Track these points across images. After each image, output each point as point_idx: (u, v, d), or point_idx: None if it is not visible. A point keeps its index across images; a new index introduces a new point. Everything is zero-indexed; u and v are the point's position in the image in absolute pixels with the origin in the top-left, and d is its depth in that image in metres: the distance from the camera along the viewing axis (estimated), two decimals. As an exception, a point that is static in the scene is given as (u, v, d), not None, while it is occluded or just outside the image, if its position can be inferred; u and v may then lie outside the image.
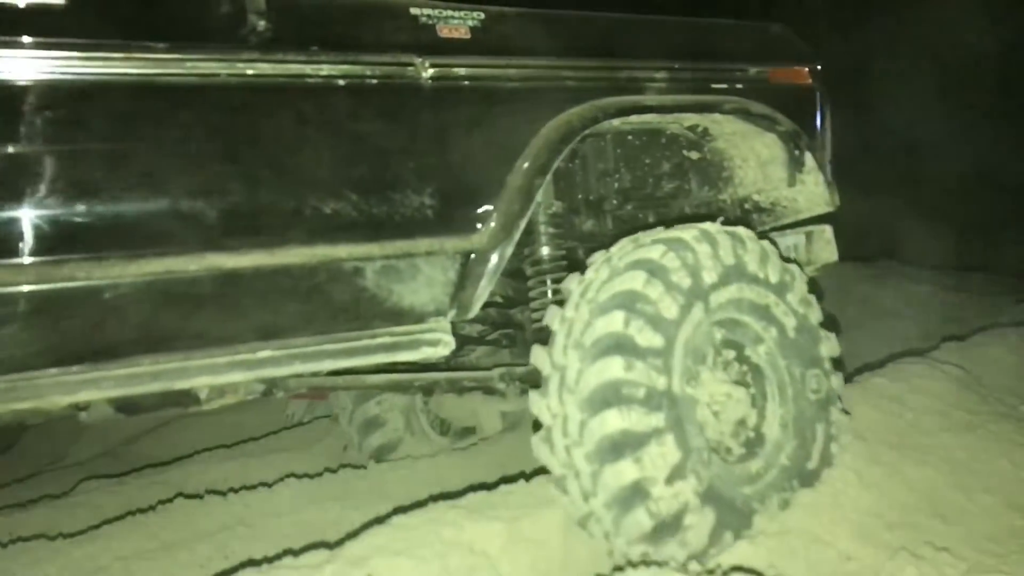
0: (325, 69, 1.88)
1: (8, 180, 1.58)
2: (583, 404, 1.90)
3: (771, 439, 2.11)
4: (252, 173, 1.81)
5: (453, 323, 2.08)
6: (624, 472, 1.83)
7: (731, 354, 2.14)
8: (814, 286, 2.31)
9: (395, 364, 2.19)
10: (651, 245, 2.04)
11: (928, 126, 7.18)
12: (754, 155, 2.61)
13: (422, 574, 1.85)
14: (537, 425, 2.04)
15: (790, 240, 2.71)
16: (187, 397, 2.13)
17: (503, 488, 2.27)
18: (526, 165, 2.08)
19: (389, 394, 3.15)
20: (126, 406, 2.07)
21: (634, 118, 2.33)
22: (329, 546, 2.13)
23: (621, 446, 1.85)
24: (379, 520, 2.15)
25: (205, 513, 2.72)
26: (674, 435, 1.88)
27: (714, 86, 2.43)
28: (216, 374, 1.81)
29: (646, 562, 1.81)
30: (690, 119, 2.54)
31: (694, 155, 2.65)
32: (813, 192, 2.62)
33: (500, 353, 2.81)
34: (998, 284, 5.82)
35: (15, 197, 1.58)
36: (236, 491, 2.89)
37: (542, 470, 2.49)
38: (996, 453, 2.45)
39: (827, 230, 2.72)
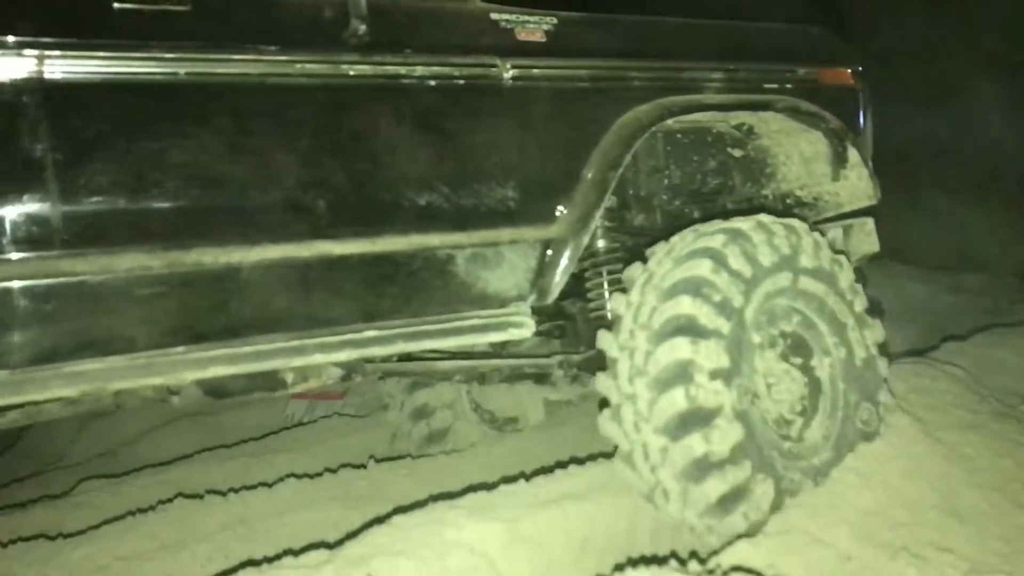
0: (418, 70, 2.02)
1: (141, 173, 1.71)
2: (652, 383, 2.02)
3: (821, 419, 2.24)
4: (354, 167, 1.94)
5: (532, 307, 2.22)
6: (693, 446, 1.95)
7: (785, 338, 2.25)
8: (860, 275, 2.42)
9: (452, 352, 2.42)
10: (712, 235, 2.16)
11: (927, 125, 7.18)
12: (798, 152, 2.74)
13: (422, 574, 1.85)
14: (603, 404, 2.17)
15: (830, 234, 2.80)
16: (274, 381, 2.22)
17: (503, 488, 2.27)
18: (599, 159, 2.22)
19: (437, 385, 3.26)
20: (215, 390, 2.15)
21: (686, 117, 2.44)
22: (329, 546, 2.13)
23: (690, 422, 1.96)
24: (379, 520, 2.15)
25: (205, 513, 2.72)
26: (738, 411, 2.00)
27: (766, 86, 2.57)
28: (328, 352, 1.94)
29: (646, 562, 1.82)
30: (738, 117, 2.66)
31: (738, 152, 2.77)
32: (856, 186, 2.74)
33: (551, 343, 2.91)
34: (998, 284, 5.82)
35: (148, 189, 1.71)
36: (236, 491, 2.89)
37: (542, 470, 2.50)
38: (1000, 452, 2.46)
39: (868, 222, 2.85)
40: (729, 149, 2.78)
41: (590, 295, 2.56)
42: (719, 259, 2.10)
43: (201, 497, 2.82)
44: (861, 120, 2.80)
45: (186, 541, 2.52)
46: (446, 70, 2.06)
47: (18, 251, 1.62)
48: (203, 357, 1.80)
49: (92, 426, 4.20)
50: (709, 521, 1.97)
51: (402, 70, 2.00)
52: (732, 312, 2.07)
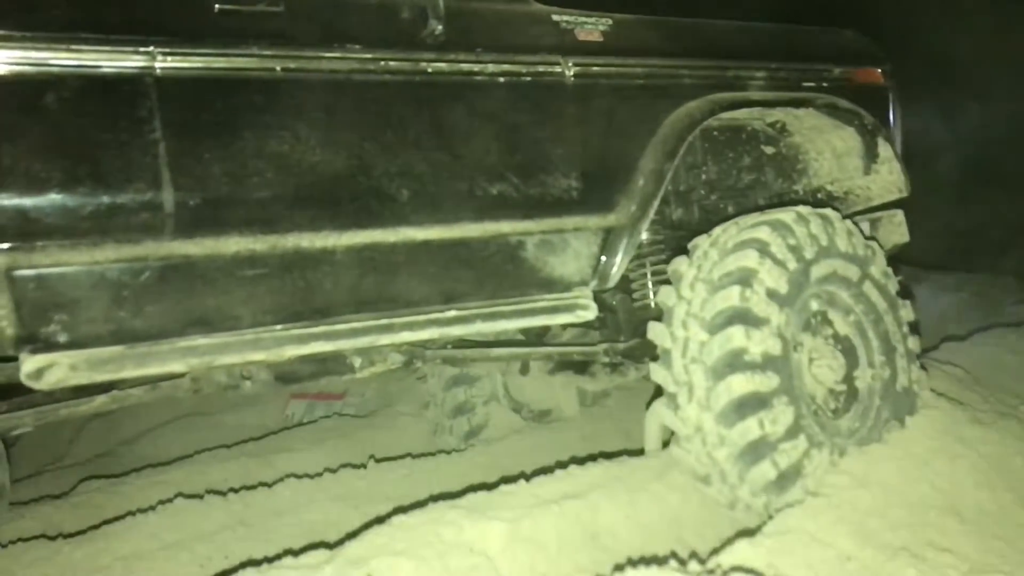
0: (489, 68, 2.15)
1: (243, 164, 1.84)
2: (709, 371, 2.14)
3: (862, 396, 2.39)
4: (433, 158, 2.06)
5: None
6: (751, 429, 2.07)
7: (825, 322, 2.39)
8: (891, 261, 2.59)
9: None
10: (756, 227, 2.28)
11: (925, 124, 7.18)
12: (830, 148, 2.85)
13: (422, 574, 1.85)
14: (658, 392, 2.32)
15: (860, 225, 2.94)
16: (343, 366, 2.36)
17: (503, 488, 2.27)
18: (655, 152, 2.35)
19: (476, 380, 3.40)
20: (286, 375, 2.29)
21: (725, 115, 2.54)
22: (329, 546, 2.13)
23: (746, 406, 2.08)
24: (379, 520, 2.15)
25: (205, 513, 2.72)
26: (789, 394, 2.13)
27: (805, 84, 2.71)
28: (415, 331, 2.07)
29: (646, 562, 1.82)
30: (773, 115, 2.78)
31: (770, 149, 2.89)
32: (887, 180, 2.87)
33: (590, 334, 2.99)
34: (998, 284, 5.82)
35: (250, 178, 1.84)
36: (236, 491, 2.89)
37: (542, 470, 2.50)
38: (1009, 451, 2.46)
39: (898, 214, 2.99)
40: (762, 146, 2.90)
41: (633, 286, 2.67)
42: (765, 249, 2.21)
43: (201, 497, 2.82)
44: (891, 117, 2.93)
45: (186, 541, 2.52)
46: (514, 68, 2.18)
47: (136, 236, 1.74)
48: (304, 334, 1.93)
49: (92, 426, 4.20)
50: (767, 498, 2.09)
51: (474, 68, 2.12)
52: (779, 300, 2.19)
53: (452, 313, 2.12)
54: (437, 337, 2.16)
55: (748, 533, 1.99)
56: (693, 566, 1.86)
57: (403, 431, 3.62)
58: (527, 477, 2.42)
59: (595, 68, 2.30)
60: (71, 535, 2.64)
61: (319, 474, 3.04)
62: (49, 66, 1.66)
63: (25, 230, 1.64)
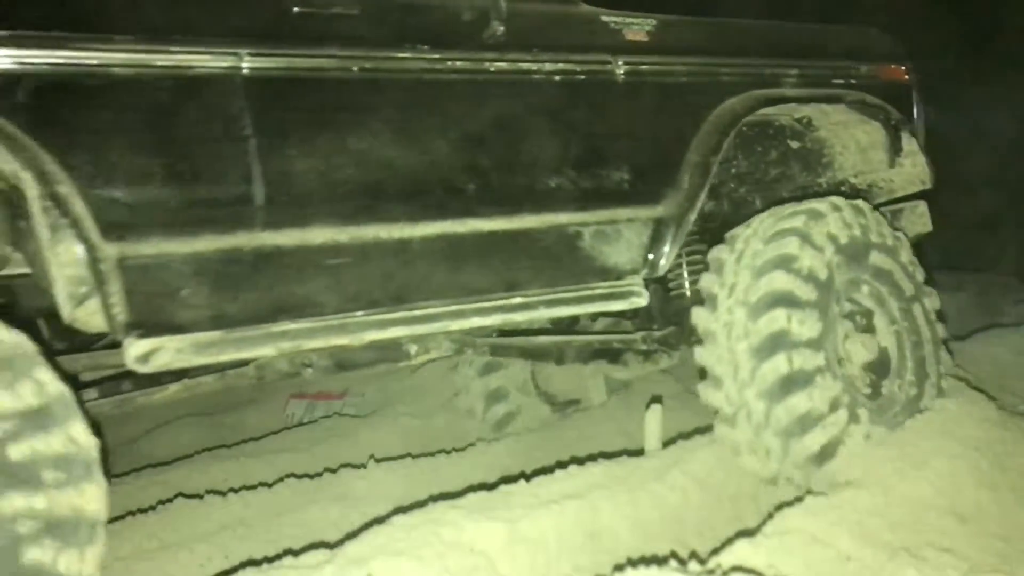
0: (545, 67, 2.25)
1: (325, 158, 1.94)
2: (754, 351, 2.28)
3: (892, 380, 2.54)
4: (495, 153, 2.17)
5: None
6: (796, 405, 2.22)
7: (858, 308, 2.54)
8: (917, 250, 2.75)
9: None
10: (794, 216, 2.44)
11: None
12: (855, 142, 2.96)
13: (422, 574, 1.85)
14: (702, 374, 2.45)
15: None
16: (399, 353, 2.47)
17: (503, 488, 2.27)
18: (700, 146, 2.46)
19: (509, 368, 3.47)
20: (344, 363, 2.41)
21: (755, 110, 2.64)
22: (329, 546, 2.13)
23: (791, 384, 2.24)
24: (379, 520, 2.15)
25: (205, 513, 2.72)
26: (831, 372, 2.29)
27: (835, 81, 2.82)
28: (483, 316, 2.17)
29: (646, 562, 1.82)
30: (802, 111, 2.88)
31: (796, 144, 2.97)
32: (911, 172, 2.99)
33: (621, 323, 3.13)
34: (998, 284, 5.82)
35: (331, 172, 1.94)
36: (236, 491, 2.88)
37: (542, 470, 2.50)
38: (1011, 451, 2.47)
39: (921, 205, 3.11)
40: (789, 141, 2.98)
41: (668, 275, 2.72)
42: (805, 236, 2.36)
43: (201, 497, 2.82)
44: (914, 111, 3.03)
45: (186, 541, 2.52)
46: (568, 67, 2.28)
47: (231, 227, 1.83)
48: (383, 320, 2.03)
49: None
50: (809, 471, 2.23)
51: (532, 67, 2.23)
52: (818, 284, 2.34)
53: (517, 300, 2.22)
54: (502, 323, 2.27)
55: (748, 533, 1.99)
56: (693, 566, 1.86)
57: (403, 431, 3.61)
58: (527, 477, 2.42)
59: (643, 67, 2.41)
60: (71, 535, 2.63)
61: (319, 474, 3.03)
62: (150, 67, 1.75)
63: (133, 223, 1.73)
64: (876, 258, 2.54)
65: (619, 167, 2.34)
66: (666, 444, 2.75)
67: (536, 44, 2.24)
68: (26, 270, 1.95)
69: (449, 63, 2.11)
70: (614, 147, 2.36)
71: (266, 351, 1.94)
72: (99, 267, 1.71)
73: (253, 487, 2.91)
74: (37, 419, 1.58)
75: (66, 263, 1.76)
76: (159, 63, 1.76)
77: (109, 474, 1.77)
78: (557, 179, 2.25)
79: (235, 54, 1.83)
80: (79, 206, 1.68)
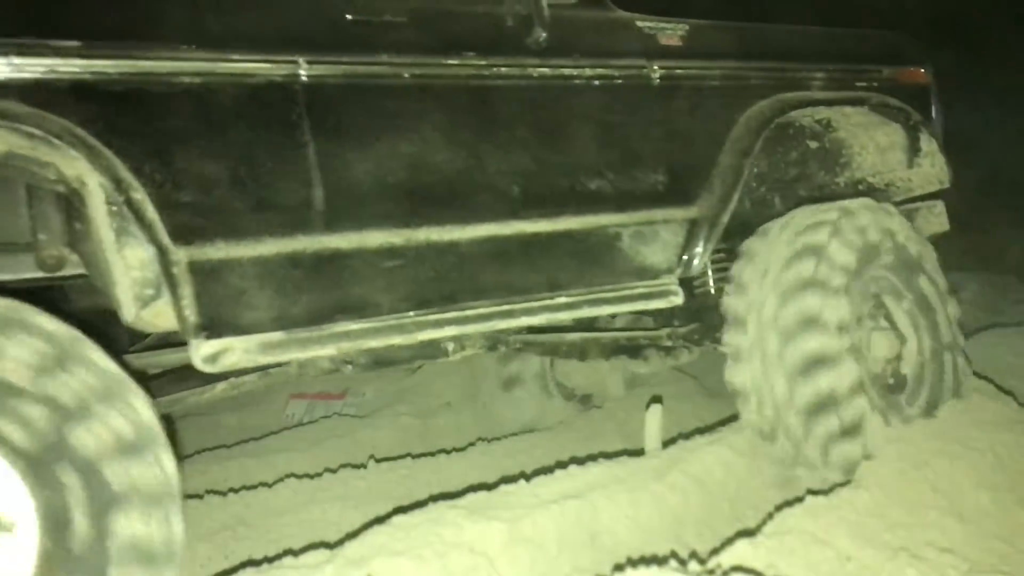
0: (585, 72, 2.30)
1: (380, 163, 1.99)
2: (782, 334, 2.37)
3: (912, 376, 2.62)
4: (538, 156, 2.23)
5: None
6: (819, 385, 2.30)
7: (881, 304, 2.63)
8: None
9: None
10: (827, 212, 2.53)
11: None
12: (873, 142, 3.02)
13: (422, 574, 1.85)
14: (731, 357, 2.52)
15: None
16: (437, 350, 2.52)
17: (503, 488, 2.27)
18: (732, 148, 2.53)
19: (527, 360, 3.53)
20: (384, 358, 2.44)
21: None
22: (329, 546, 2.13)
23: (816, 365, 2.31)
24: (379, 520, 2.15)
25: (205, 513, 2.72)
26: (854, 357, 2.35)
27: (858, 84, 2.88)
28: (530, 316, 2.23)
29: (646, 562, 1.82)
30: (822, 112, 2.92)
31: (815, 144, 3.01)
32: (929, 172, 3.05)
33: (641, 320, 3.16)
34: (998, 284, 5.82)
35: (386, 177, 2.00)
36: (236, 491, 2.88)
37: (542, 470, 2.50)
38: (1011, 452, 2.46)
39: (939, 204, 3.19)
40: (808, 141, 3.03)
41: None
42: (836, 229, 2.46)
43: (201, 497, 2.82)
44: (934, 114, 3.11)
45: (186, 541, 2.52)
46: (607, 71, 2.34)
47: (292, 231, 1.89)
48: (437, 320, 2.09)
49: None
50: (829, 452, 2.31)
51: (572, 72, 2.28)
52: (848, 274, 2.44)
53: (562, 300, 2.27)
54: (546, 322, 2.36)
55: (748, 533, 2.00)
56: (693, 566, 1.86)
57: (403, 431, 3.61)
58: (527, 477, 2.42)
59: (677, 71, 2.46)
60: (71, 535, 2.63)
61: (319, 474, 3.03)
62: (214, 75, 1.81)
63: (202, 227, 1.79)
64: (903, 258, 2.64)
65: (655, 169, 2.41)
66: (666, 444, 2.75)
67: (576, 49, 2.29)
68: (80, 271, 1.97)
69: (494, 69, 2.16)
70: (650, 150, 2.41)
71: (327, 351, 2.00)
72: (171, 271, 1.76)
73: (253, 487, 2.91)
74: (106, 399, 1.60)
75: (132, 266, 1.79)
76: (222, 71, 1.81)
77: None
78: (597, 181, 2.31)
79: (293, 62, 1.88)
80: (150, 211, 1.73)
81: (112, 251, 1.76)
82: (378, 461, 3.16)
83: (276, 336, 1.89)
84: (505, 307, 2.17)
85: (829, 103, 2.82)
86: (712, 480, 2.46)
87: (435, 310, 2.09)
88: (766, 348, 2.41)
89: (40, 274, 1.92)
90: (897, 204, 2.99)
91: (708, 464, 2.50)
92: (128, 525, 1.57)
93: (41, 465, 1.52)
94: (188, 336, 1.81)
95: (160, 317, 1.85)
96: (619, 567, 1.87)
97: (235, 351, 1.84)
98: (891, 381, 2.59)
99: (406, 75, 2.03)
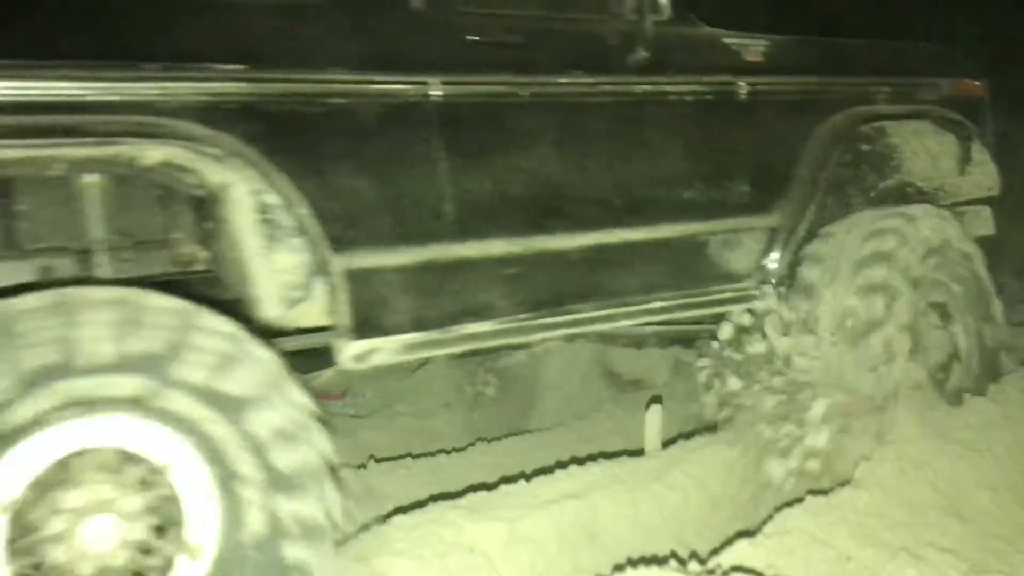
0: (680, 87, 2.44)
1: (501, 177, 2.13)
2: (851, 332, 2.55)
3: (957, 374, 2.80)
4: (639, 169, 2.36)
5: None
6: (883, 381, 2.50)
7: (937, 303, 2.80)
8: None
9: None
10: (891, 218, 2.70)
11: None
12: (925, 149, 3.09)
13: (422, 574, 1.85)
14: (799, 354, 2.64)
15: None
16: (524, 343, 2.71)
17: (503, 488, 2.27)
18: (809, 161, 2.67)
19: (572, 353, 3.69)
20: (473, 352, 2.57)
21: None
22: (329, 546, 2.12)
23: (882, 361, 2.52)
24: (379, 520, 2.15)
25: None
26: (915, 354, 2.60)
27: (919, 97, 3.03)
28: (630, 319, 2.39)
29: (646, 562, 1.82)
30: (879, 122, 3.03)
31: (867, 148, 3.05)
32: (979, 180, 3.18)
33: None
34: (998, 284, 5.80)
35: (506, 190, 2.13)
36: (236, 491, 2.88)
37: (542, 470, 2.50)
38: (1014, 452, 2.47)
39: (985, 209, 3.31)
40: (861, 145, 3.07)
41: None
42: (902, 236, 2.62)
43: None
44: (987, 124, 3.26)
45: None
46: (699, 87, 2.47)
47: (426, 240, 2.03)
48: (551, 322, 2.25)
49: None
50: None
51: (669, 88, 2.42)
52: (911, 279, 2.60)
53: (658, 304, 2.42)
54: (643, 323, 2.51)
55: (748, 533, 2.00)
56: (693, 566, 1.86)
57: (403, 431, 3.61)
58: (527, 477, 2.42)
59: (761, 86, 2.58)
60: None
61: (319, 474, 3.03)
62: (359, 96, 1.95)
63: (354, 238, 1.94)
64: (956, 261, 2.81)
65: (740, 180, 2.54)
66: (666, 444, 2.75)
67: (671, 67, 2.41)
68: (205, 268, 2.07)
69: (601, 87, 2.29)
70: (736, 162, 2.55)
71: (456, 351, 2.18)
72: (331, 277, 1.92)
73: (253, 487, 2.90)
74: (271, 389, 1.70)
75: (281, 270, 1.92)
76: (365, 92, 1.96)
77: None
78: (689, 192, 2.44)
79: (424, 83, 2.01)
80: (312, 222, 1.88)
81: (259, 255, 1.90)
82: (378, 461, 3.16)
83: (415, 337, 2.05)
84: (608, 311, 2.33)
85: (896, 116, 2.94)
86: (712, 480, 2.46)
87: (546, 313, 2.24)
88: (833, 345, 2.58)
89: (172, 270, 2.03)
90: (946, 207, 3.12)
91: (708, 464, 2.50)
92: (293, 503, 1.67)
93: (221, 453, 1.63)
94: (342, 336, 1.96)
95: (305, 316, 1.99)
96: (619, 567, 1.87)
97: (383, 351, 2.02)
98: (941, 374, 2.76)
99: (523, 93, 2.17)
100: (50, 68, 1.62)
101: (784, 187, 2.64)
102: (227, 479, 1.62)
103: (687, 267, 2.49)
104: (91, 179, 1.81)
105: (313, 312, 1.99)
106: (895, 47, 3.15)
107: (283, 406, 1.69)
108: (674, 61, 2.42)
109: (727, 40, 2.57)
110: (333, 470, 1.76)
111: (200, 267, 2.05)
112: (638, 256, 2.38)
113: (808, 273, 2.67)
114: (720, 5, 2.62)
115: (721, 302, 2.58)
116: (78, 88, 1.64)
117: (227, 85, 1.79)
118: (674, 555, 2.06)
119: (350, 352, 1.97)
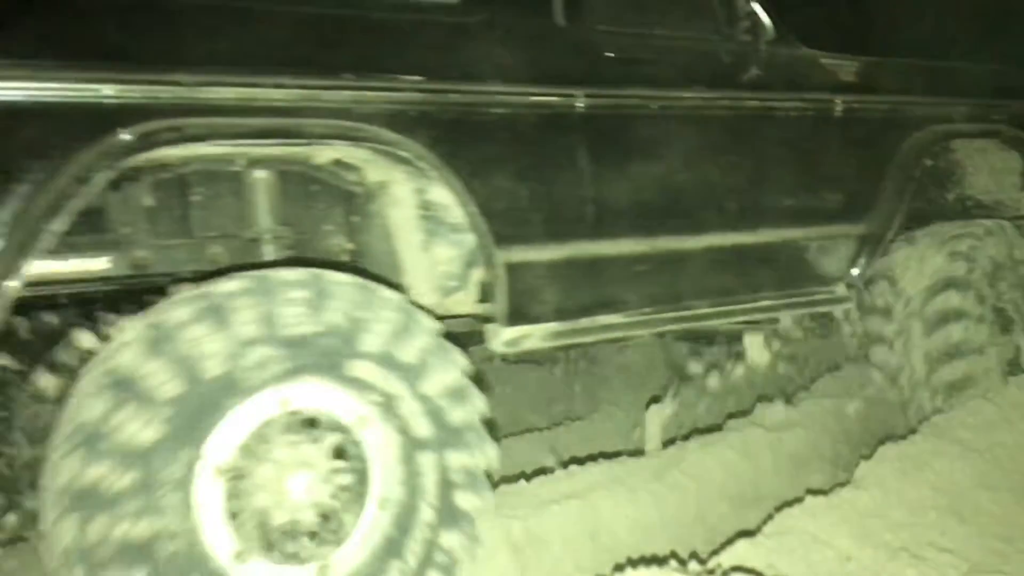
0: (786, 104, 2.62)
1: (633, 182, 2.29)
2: (927, 324, 2.87)
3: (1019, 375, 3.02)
4: (749, 178, 2.54)
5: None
6: (957, 368, 2.84)
7: (999, 308, 3.04)
8: None
9: None
10: (961, 231, 3.00)
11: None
12: (988, 165, 3.33)
13: (423, 574, 1.84)
14: (877, 342, 3.00)
15: None
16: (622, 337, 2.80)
17: (503, 488, 2.27)
18: (896, 174, 2.85)
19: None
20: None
21: None
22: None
23: (955, 352, 2.85)
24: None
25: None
26: (981, 323, 2.91)
27: (992, 117, 3.20)
28: (741, 316, 2.61)
29: (646, 562, 1.82)
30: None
31: (930, 162, 3.18)
32: None
33: None
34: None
35: (635, 193, 2.29)
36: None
37: (542, 470, 2.51)
38: (1014, 452, 2.47)
39: None
40: (937, 161, 3.26)
41: None
42: (970, 259, 2.91)
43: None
44: None
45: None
46: (802, 104, 2.66)
47: (570, 238, 2.20)
48: (675, 316, 2.43)
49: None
50: (942, 398, 2.79)
51: (776, 104, 2.60)
52: (981, 280, 2.92)
53: (764, 303, 2.62)
54: (746, 321, 2.76)
55: (748, 533, 2.00)
56: (693, 566, 1.86)
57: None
58: (527, 477, 2.42)
59: (855, 104, 2.76)
60: (71, 535, 2.63)
61: (319, 474, 3.03)
62: (519, 106, 2.12)
63: (513, 235, 2.10)
64: (1018, 270, 3.06)
65: (836, 191, 2.74)
66: (666, 444, 2.75)
67: (779, 84, 2.58)
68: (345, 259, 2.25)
69: (719, 101, 2.47)
70: (833, 174, 2.73)
71: (590, 340, 2.39)
72: (495, 270, 2.09)
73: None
74: (437, 354, 1.87)
75: (439, 261, 2.17)
76: (524, 103, 2.12)
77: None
78: (792, 200, 2.63)
79: (572, 95, 2.17)
80: (481, 220, 2.04)
81: (418, 248, 2.14)
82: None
83: (558, 326, 2.22)
84: (721, 308, 2.53)
85: (971, 135, 3.15)
86: (712, 480, 2.46)
87: (668, 308, 2.42)
88: (911, 334, 2.88)
89: (323, 260, 2.16)
90: (1008, 220, 3.33)
91: (708, 464, 2.50)
92: (461, 456, 1.86)
93: (401, 414, 1.81)
94: (499, 323, 2.13)
95: (458, 304, 2.23)
96: (619, 567, 1.87)
97: (533, 337, 2.19)
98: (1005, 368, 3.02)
99: (653, 106, 2.34)
100: (270, 76, 1.79)
101: (873, 198, 2.82)
102: (406, 437, 1.80)
103: (788, 269, 2.68)
104: (262, 174, 2.03)
105: (467, 301, 2.23)
106: (970, 69, 3.31)
107: (450, 368, 1.87)
108: (780, 79, 2.59)
109: (824, 60, 2.75)
110: (489, 424, 1.93)
111: (345, 257, 2.23)
112: (747, 258, 2.57)
113: (882, 267, 2.95)
114: (815, 28, 2.79)
115: (815, 303, 2.78)
116: (292, 95, 1.82)
117: (411, 95, 1.96)
118: (674, 555, 2.07)
119: (504, 338, 2.15)
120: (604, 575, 1.98)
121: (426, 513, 1.81)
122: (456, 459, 1.85)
